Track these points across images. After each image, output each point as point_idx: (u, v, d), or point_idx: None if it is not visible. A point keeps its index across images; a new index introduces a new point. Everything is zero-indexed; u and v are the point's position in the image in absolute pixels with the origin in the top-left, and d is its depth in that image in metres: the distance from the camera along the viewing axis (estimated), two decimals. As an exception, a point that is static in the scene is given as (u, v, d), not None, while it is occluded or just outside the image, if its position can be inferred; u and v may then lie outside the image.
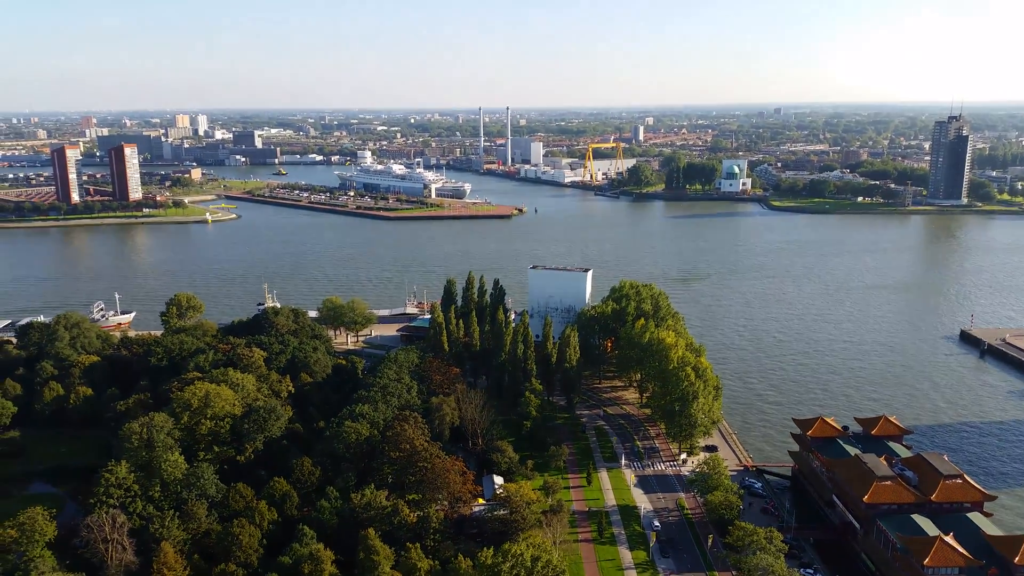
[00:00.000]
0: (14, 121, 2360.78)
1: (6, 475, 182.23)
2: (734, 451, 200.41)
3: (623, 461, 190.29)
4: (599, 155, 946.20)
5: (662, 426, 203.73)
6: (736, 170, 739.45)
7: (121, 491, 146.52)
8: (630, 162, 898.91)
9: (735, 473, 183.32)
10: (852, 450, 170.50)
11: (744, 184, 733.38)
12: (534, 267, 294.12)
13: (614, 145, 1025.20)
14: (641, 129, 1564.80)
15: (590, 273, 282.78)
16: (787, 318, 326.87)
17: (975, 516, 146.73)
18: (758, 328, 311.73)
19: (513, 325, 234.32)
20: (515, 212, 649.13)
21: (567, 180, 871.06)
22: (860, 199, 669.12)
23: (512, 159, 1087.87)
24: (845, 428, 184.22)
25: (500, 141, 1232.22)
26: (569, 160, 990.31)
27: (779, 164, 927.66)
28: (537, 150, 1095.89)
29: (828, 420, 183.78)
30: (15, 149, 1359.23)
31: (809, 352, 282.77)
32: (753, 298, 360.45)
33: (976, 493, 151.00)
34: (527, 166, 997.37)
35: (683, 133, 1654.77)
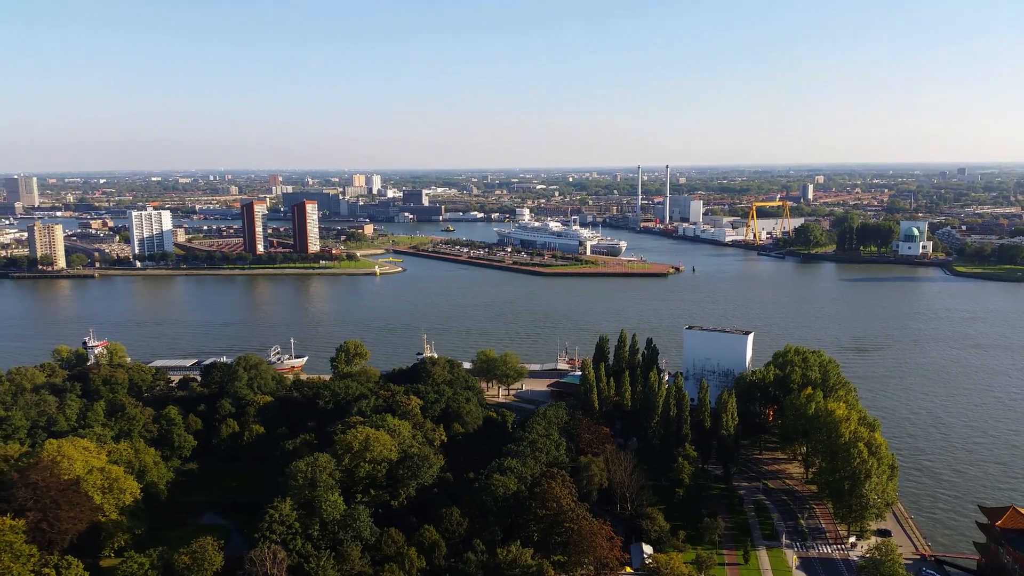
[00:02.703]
0: (211, 178, 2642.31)
1: (183, 504, 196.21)
2: (910, 537, 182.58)
3: (784, 540, 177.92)
4: (763, 214, 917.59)
5: (829, 505, 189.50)
6: (916, 232, 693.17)
7: (283, 527, 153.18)
8: (797, 221, 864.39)
9: (911, 562, 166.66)
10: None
11: (925, 247, 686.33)
12: (690, 327, 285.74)
13: (780, 203, 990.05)
14: (810, 187, 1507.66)
15: (751, 336, 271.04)
16: (975, 393, 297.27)
17: None
18: (941, 403, 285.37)
19: (666, 386, 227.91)
20: (671, 271, 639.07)
21: (728, 239, 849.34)
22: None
23: (670, 217, 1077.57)
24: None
25: (658, 199, 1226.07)
26: (730, 219, 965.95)
27: (963, 227, 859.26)
28: (696, 208, 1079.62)
29: (1021, 510, 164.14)
30: (210, 203, 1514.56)
31: (1000, 432, 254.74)
32: (936, 370, 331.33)
33: None
34: (685, 224, 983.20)
35: (856, 192, 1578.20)
